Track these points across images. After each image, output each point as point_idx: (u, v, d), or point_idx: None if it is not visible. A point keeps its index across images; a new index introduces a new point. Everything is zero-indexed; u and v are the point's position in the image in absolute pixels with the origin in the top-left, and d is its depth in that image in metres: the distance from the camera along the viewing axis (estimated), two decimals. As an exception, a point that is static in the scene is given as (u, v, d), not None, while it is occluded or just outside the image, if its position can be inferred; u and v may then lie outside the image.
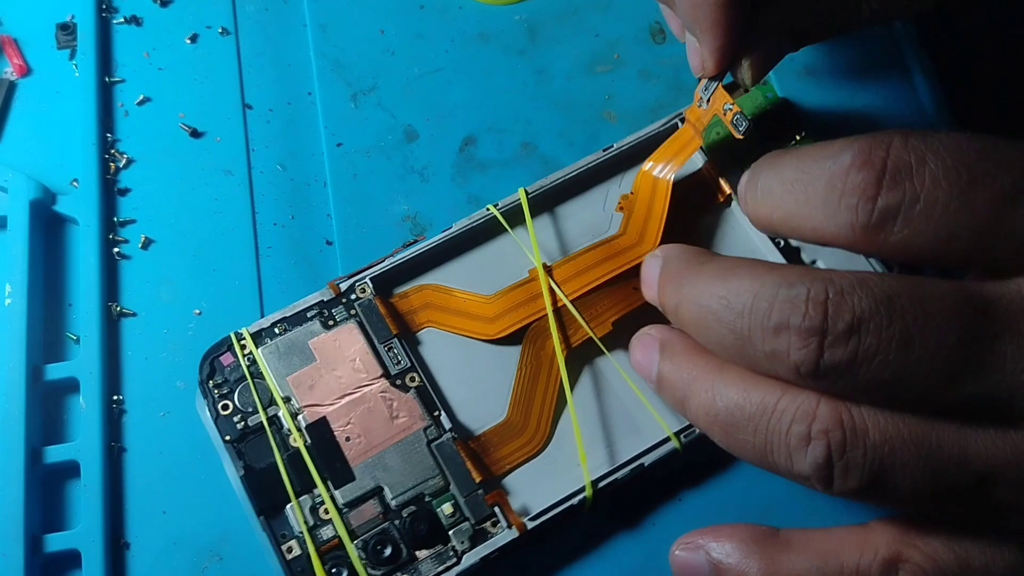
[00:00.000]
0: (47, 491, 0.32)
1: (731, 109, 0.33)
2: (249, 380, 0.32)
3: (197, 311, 0.35)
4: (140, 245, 0.36)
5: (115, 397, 0.34)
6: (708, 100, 0.33)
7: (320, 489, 0.30)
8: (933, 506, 0.24)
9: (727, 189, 0.36)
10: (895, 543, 0.25)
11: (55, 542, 0.31)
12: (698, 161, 0.37)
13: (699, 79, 0.33)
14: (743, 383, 0.25)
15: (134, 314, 0.35)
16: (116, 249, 0.36)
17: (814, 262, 0.35)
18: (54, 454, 0.32)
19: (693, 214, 0.36)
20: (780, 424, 0.24)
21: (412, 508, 0.30)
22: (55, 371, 0.33)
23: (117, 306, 0.35)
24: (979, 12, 0.45)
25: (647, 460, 0.31)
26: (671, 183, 0.34)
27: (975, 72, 0.42)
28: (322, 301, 0.33)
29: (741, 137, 0.33)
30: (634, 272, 0.34)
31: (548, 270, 0.34)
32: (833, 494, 0.24)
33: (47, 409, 0.34)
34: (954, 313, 0.22)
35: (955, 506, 0.24)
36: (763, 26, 0.31)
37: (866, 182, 0.23)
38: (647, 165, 0.35)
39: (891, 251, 0.24)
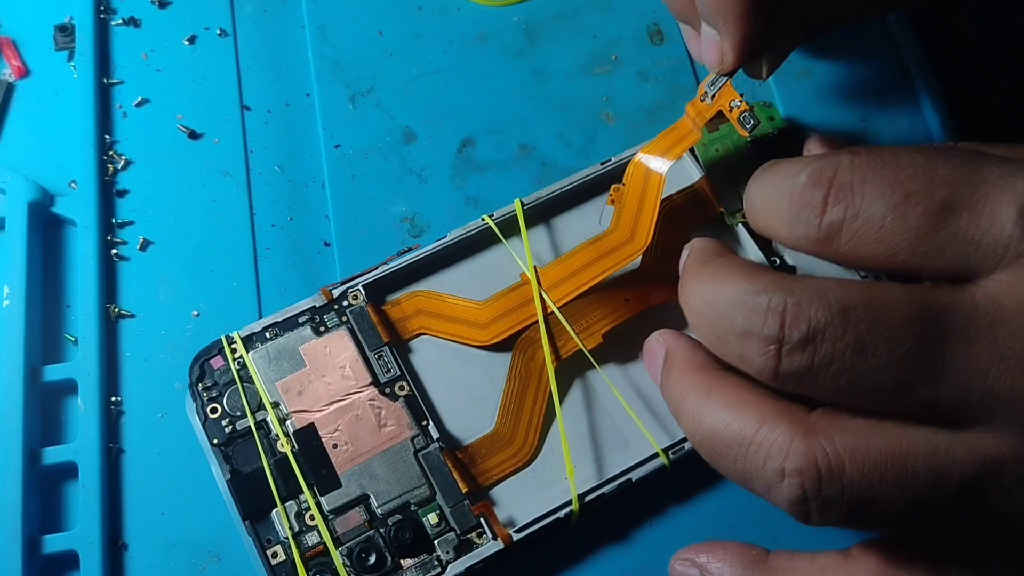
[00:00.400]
0: (45, 492, 0.33)
1: (738, 106, 0.32)
2: (238, 384, 0.32)
3: (195, 312, 0.35)
4: (138, 246, 0.36)
5: (113, 398, 0.34)
6: (713, 96, 0.33)
7: (306, 495, 0.31)
8: (917, 526, 0.25)
9: (720, 207, 0.35)
10: (877, 573, 0.26)
11: (53, 543, 0.32)
12: (693, 175, 0.36)
13: (706, 72, 0.33)
14: (725, 410, 0.25)
15: (132, 315, 0.35)
16: (114, 250, 0.36)
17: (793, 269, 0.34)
18: (52, 455, 0.33)
19: (686, 229, 0.35)
20: (756, 457, 0.24)
21: (398, 517, 0.31)
22: (53, 372, 0.34)
23: (115, 307, 0.35)
24: (976, 13, 0.44)
25: (635, 475, 0.31)
26: (664, 177, 0.34)
27: (975, 75, 0.41)
28: (314, 307, 0.33)
29: (747, 135, 0.32)
30: (626, 277, 0.34)
31: (539, 277, 0.34)
32: (811, 525, 0.24)
33: (45, 410, 0.34)
34: (907, 323, 0.23)
35: (939, 522, 0.25)
36: (780, 18, 0.31)
37: (815, 200, 0.25)
38: (640, 155, 0.34)
39: (843, 261, 0.25)
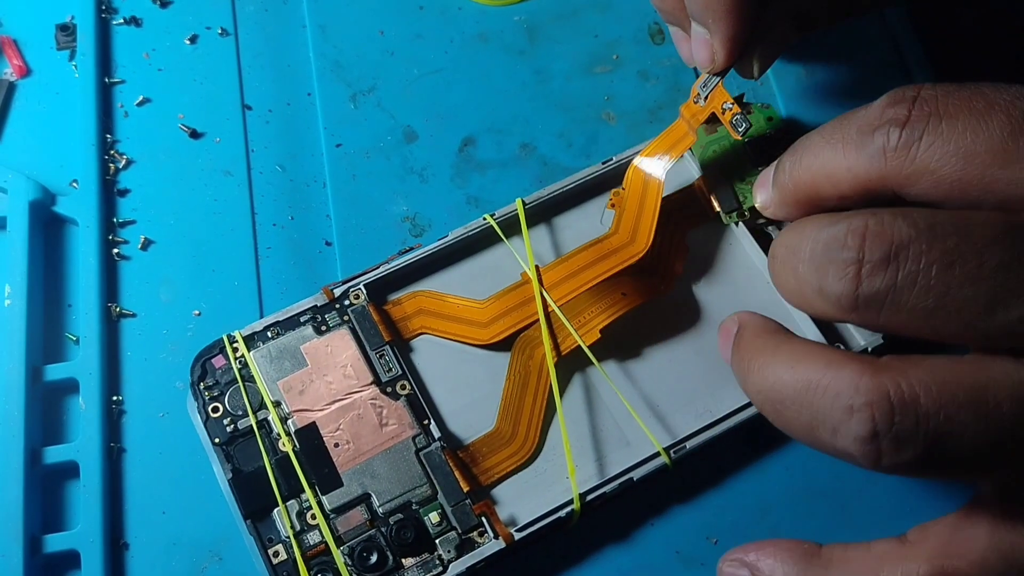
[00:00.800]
0: (46, 491, 0.33)
1: (730, 108, 0.32)
2: (240, 383, 0.32)
3: (196, 312, 0.35)
4: (139, 246, 0.36)
5: (114, 398, 0.34)
6: (706, 97, 0.33)
7: (308, 494, 0.31)
8: (997, 469, 0.24)
9: (717, 207, 0.35)
10: (937, 556, 0.25)
11: (54, 543, 0.32)
12: (692, 173, 0.36)
13: (700, 74, 0.33)
14: (791, 360, 0.25)
15: (134, 315, 0.35)
16: (116, 250, 0.36)
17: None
18: (53, 454, 0.33)
19: (683, 228, 0.35)
20: (824, 399, 0.23)
21: (399, 516, 0.30)
22: (55, 372, 0.34)
23: (117, 307, 0.35)
24: (976, 12, 0.44)
25: (636, 474, 0.31)
26: (663, 182, 0.34)
27: (975, 75, 0.41)
28: (315, 306, 0.33)
29: (740, 138, 0.33)
30: (622, 272, 0.34)
31: (542, 276, 0.34)
32: (883, 470, 0.23)
33: (47, 410, 0.34)
34: (997, 236, 0.23)
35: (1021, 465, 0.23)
36: (770, 15, 0.31)
37: (898, 113, 0.25)
38: (638, 160, 0.34)
39: (918, 173, 0.24)
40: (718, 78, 0.32)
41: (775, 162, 0.30)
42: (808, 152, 0.27)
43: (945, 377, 0.23)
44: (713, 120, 0.33)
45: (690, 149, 0.36)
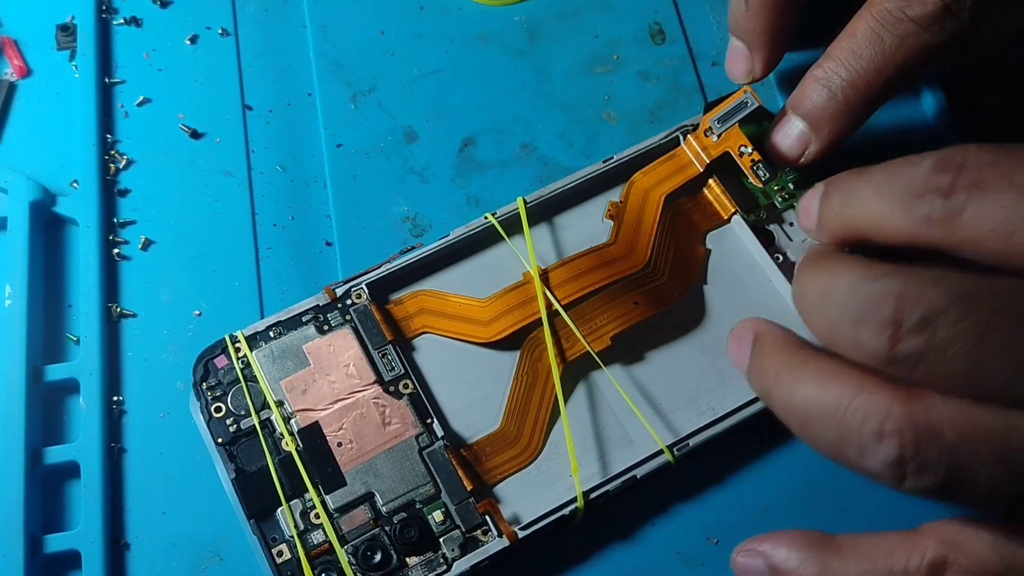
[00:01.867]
0: (47, 492, 0.33)
1: (749, 153, 0.33)
2: (242, 383, 0.32)
3: (197, 312, 0.35)
4: (140, 246, 0.36)
5: (115, 398, 0.34)
6: (720, 135, 0.33)
7: (311, 494, 0.31)
8: (1011, 507, 0.24)
9: (731, 207, 0.35)
10: (943, 546, 0.26)
11: (55, 543, 0.31)
12: (703, 177, 0.36)
13: (710, 103, 0.33)
14: (821, 379, 0.25)
15: (134, 315, 0.35)
16: (116, 250, 0.36)
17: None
18: (54, 455, 0.33)
19: (698, 231, 0.36)
20: (853, 420, 0.24)
21: (403, 515, 0.31)
22: (55, 372, 0.34)
23: (117, 307, 0.35)
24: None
25: (639, 472, 0.31)
26: (661, 202, 0.34)
27: (975, 74, 0.42)
28: (317, 306, 0.33)
29: (761, 185, 0.33)
30: (636, 280, 0.34)
31: (544, 277, 0.34)
32: (904, 491, 0.24)
33: (47, 410, 0.34)
34: None
35: None
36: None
37: (942, 181, 0.25)
38: (639, 178, 0.35)
39: (961, 244, 0.25)
40: (734, 119, 0.33)
41: (818, 191, 0.29)
42: (857, 199, 0.28)
43: (969, 415, 0.23)
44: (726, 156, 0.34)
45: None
